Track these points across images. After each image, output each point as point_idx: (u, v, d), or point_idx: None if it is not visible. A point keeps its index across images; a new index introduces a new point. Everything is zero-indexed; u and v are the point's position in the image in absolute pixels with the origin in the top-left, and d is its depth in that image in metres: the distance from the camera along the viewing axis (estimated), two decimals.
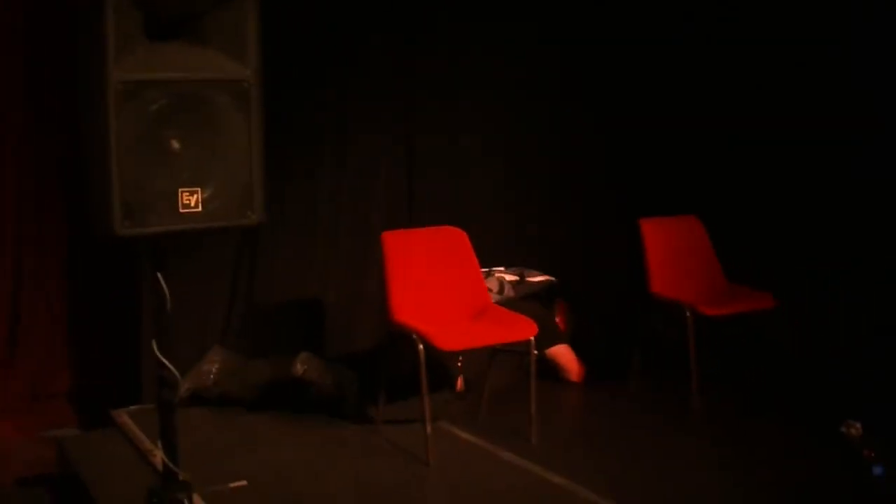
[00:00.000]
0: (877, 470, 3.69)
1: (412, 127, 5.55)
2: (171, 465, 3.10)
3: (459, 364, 5.02)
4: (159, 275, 3.06)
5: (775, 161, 5.76)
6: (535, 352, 4.46)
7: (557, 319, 5.50)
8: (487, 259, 5.26)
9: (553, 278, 5.61)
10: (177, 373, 3.12)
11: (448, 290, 4.63)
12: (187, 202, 2.91)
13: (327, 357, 5.11)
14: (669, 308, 4.95)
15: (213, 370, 4.68)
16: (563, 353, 5.38)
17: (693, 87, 6.13)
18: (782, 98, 5.70)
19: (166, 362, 3.09)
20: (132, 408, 4.69)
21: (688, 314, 4.80)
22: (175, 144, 2.87)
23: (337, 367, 4.67)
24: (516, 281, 5.52)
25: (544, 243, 6.01)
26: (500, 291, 5.39)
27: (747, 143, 5.88)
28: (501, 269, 5.54)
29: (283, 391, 4.46)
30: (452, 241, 4.75)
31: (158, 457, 3.22)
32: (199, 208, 2.93)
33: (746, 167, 5.92)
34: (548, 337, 5.26)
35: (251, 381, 4.74)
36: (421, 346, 4.14)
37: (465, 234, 4.78)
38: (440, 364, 4.84)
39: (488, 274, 5.41)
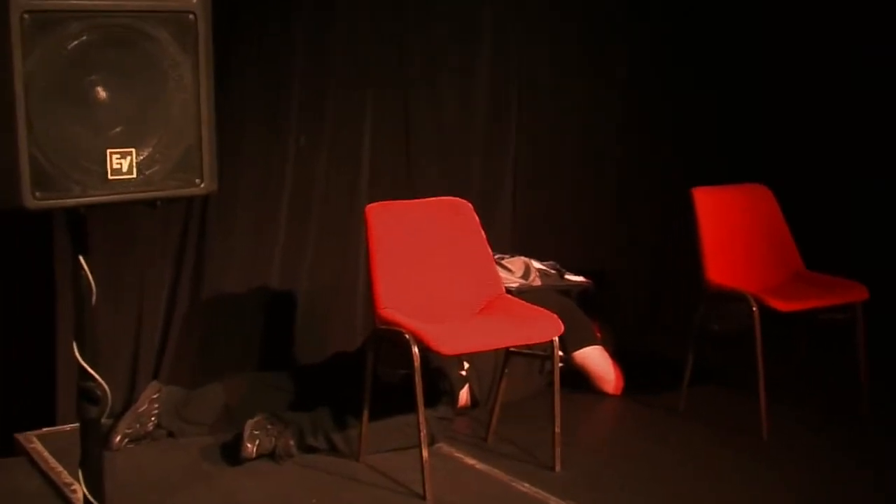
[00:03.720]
0: None
1: (410, 73, 5.53)
2: (95, 503, 3.08)
3: (464, 372, 5.00)
4: (82, 259, 3.04)
5: (874, 119, 5.79)
6: (561, 354, 4.43)
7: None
8: (502, 246, 5.28)
9: (590, 281, 5.59)
10: (104, 384, 3.10)
11: (450, 277, 4.61)
12: (118, 166, 2.90)
13: (297, 366, 5.11)
14: (730, 301, 4.91)
15: (154, 410, 4.67)
16: (595, 358, 5.37)
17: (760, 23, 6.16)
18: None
19: (90, 370, 3.06)
20: (44, 430, 4.67)
21: (754, 309, 4.77)
22: (101, 93, 2.85)
23: (295, 416, 4.63)
24: (547, 272, 5.50)
25: (574, 222, 6.06)
26: (525, 276, 5.37)
27: (839, 96, 5.91)
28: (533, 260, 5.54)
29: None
30: (456, 216, 4.72)
31: (79, 493, 3.19)
32: (133, 174, 2.93)
33: (836, 124, 5.93)
34: (577, 337, 5.25)
35: (201, 418, 4.75)
36: (415, 350, 4.11)
37: (470, 206, 4.76)
38: (440, 372, 4.82)
39: (512, 256, 5.41)
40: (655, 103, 6.23)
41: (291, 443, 4.46)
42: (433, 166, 5.60)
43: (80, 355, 3.06)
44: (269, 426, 4.46)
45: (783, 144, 6.29)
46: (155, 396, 4.71)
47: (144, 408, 4.67)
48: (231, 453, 4.44)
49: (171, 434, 4.70)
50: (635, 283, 6.24)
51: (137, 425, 4.62)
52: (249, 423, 4.43)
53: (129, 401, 4.79)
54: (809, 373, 5.50)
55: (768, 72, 6.28)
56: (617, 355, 5.48)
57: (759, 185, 5.35)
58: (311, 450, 4.50)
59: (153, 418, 4.67)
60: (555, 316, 4.39)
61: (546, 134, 5.98)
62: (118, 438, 4.54)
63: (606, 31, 6.09)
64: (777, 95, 6.31)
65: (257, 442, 4.39)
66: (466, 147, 5.73)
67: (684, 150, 6.22)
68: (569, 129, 6.05)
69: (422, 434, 4.13)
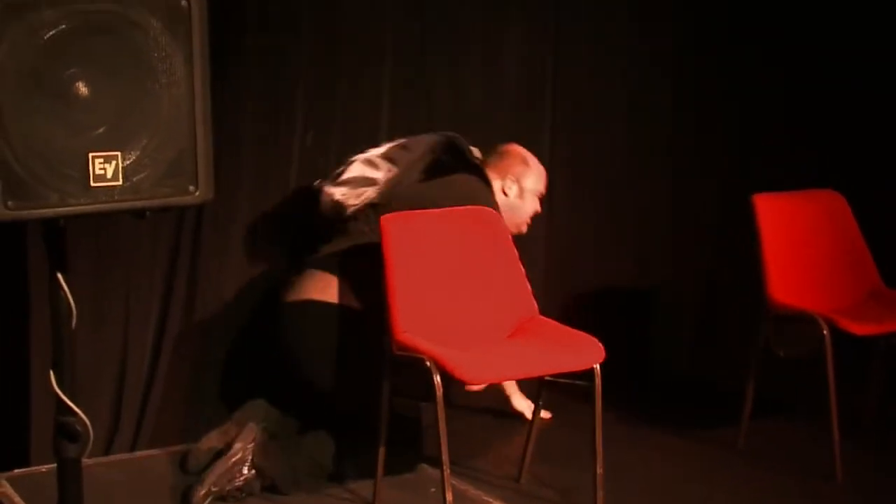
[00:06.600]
0: None
1: (431, 63, 5.58)
2: None
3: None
4: (60, 277, 3.05)
5: None
6: None
7: None
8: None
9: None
10: (85, 418, 3.11)
11: (477, 296, 4.61)
12: (101, 171, 2.91)
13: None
14: (797, 323, 4.91)
15: (247, 458, 4.45)
16: None
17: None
18: None
19: (70, 403, 3.07)
20: (16, 472, 4.67)
21: (824, 332, 4.76)
22: (82, 89, 2.86)
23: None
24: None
25: (619, 233, 6.07)
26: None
27: None
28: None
29: None
30: (482, 227, 4.71)
31: None
32: (119, 180, 2.93)
33: None
34: None
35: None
36: (436, 378, 4.11)
37: (499, 215, 4.77)
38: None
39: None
40: (713, 99, 6.21)
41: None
42: None
43: (58, 386, 3.07)
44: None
45: (859, 145, 6.25)
46: (249, 442, 4.49)
47: (238, 456, 4.44)
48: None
49: (272, 486, 4.50)
50: (689, 302, 6.21)
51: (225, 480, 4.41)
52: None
53: (111, 438, 4.81)
54: (889, 405, 5.47)
55: (845, 57, 6.23)
56: (662, 383, 5.45)
57: (830, 192, 5.35)
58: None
59: (246, 467, 4.45)
60: (595, 340, 4.38)
61: (588, 132, 5.98)
62: (202, 493, 4.32)
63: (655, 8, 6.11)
64: (856, 87, 6.26)
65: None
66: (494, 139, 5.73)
67: (745, 151, 6.19)
68: (613, 122, 6.04)
69: (445, 473, 4.10)
